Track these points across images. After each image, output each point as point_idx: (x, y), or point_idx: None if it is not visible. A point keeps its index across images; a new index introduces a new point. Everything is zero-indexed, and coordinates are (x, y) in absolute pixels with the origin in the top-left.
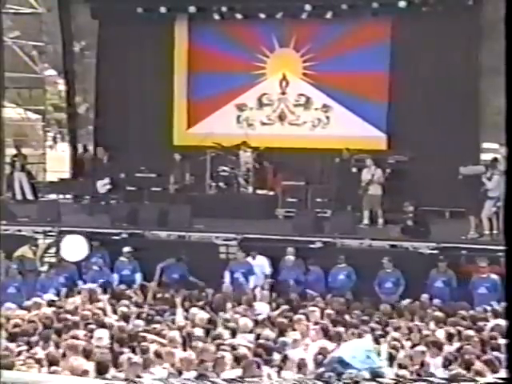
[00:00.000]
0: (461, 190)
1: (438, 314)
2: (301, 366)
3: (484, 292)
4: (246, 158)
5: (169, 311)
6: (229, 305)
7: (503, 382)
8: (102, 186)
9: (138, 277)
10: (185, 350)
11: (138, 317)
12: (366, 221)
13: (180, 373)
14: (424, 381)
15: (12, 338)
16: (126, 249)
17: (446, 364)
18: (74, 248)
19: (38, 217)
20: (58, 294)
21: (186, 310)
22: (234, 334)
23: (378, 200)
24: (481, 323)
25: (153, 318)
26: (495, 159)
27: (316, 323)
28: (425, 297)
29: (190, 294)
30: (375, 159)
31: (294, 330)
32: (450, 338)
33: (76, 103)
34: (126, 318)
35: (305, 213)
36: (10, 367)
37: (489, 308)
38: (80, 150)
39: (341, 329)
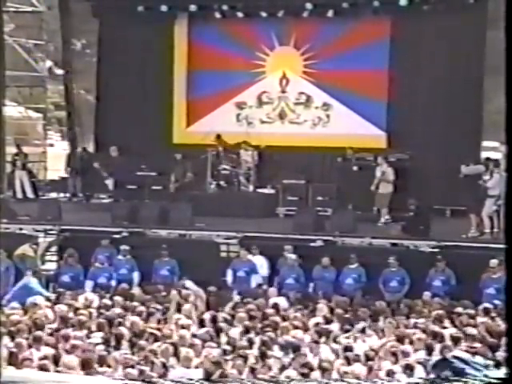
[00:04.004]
0: (461, 188)
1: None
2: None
3: (493, 292)
4: (247, 157)
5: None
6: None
7: (501, 382)
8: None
9: (136, 275)
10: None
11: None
12: (382, 219)
13: None
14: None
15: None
16: (123, 247)
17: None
18: None
19: (38, 215)
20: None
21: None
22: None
23: (387, 198)
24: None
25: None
26: (489, 158)
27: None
28: (427, 294)
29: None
30: (375, 157)
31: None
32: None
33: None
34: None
35: (305, 211)
36: None
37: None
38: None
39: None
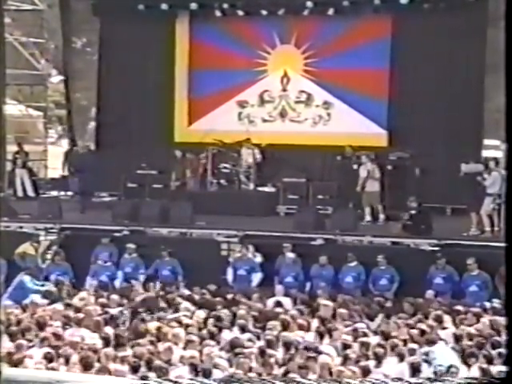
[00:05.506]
0: (462, 186)
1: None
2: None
3: (476, 289)
4: (248, 155)
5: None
6: None
7: (499, 382)
8: None
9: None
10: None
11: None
12: (367, 217)
13: None
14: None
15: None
16: (129, 245)
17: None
18: None
19: (39, 214)
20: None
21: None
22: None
23: (377, 196)
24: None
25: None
26: (489, 156)
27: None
28: (429, 293)
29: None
30: (376, 156)
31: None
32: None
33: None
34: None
35: (306, 210)
36: None
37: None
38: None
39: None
